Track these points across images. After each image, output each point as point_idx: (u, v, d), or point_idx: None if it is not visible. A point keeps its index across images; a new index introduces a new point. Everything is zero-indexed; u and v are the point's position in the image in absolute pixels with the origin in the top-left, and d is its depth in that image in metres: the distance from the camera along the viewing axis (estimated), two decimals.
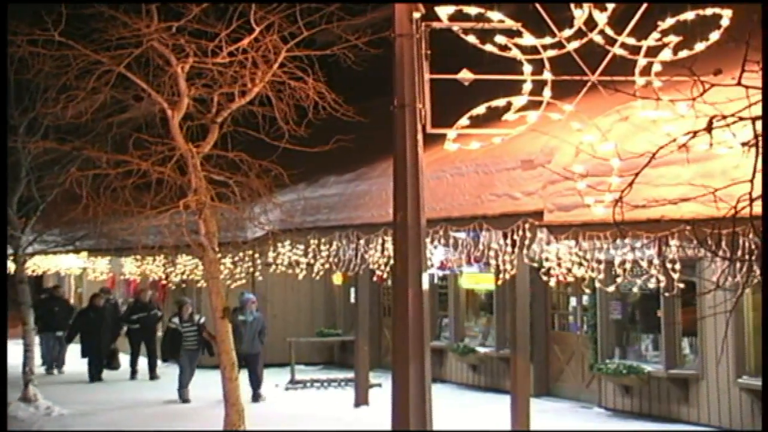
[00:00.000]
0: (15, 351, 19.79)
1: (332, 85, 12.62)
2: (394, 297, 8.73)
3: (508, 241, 12.44)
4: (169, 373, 19.74)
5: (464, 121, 8.76)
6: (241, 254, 17.84)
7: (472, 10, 8.63)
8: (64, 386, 20.51)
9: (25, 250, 18.87)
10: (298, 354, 20.45)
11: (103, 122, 15.44)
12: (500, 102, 8.77)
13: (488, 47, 8.73)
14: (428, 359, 8.52)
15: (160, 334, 21.32)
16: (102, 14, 12.29)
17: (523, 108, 8.78)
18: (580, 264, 12.30)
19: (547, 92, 8.73)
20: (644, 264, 11.22)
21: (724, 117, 5.57)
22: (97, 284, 26.07)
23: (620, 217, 6.00)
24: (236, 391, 12.47)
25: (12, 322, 20.53)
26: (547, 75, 8.76)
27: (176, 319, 18.23)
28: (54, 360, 23.14)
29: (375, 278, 16.80)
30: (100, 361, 21.59)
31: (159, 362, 21.45)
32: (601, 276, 12.16)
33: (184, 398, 17.95)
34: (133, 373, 21.68)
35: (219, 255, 13.02)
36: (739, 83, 5.48)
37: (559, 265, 12.76)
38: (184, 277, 20.59)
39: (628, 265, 11.49)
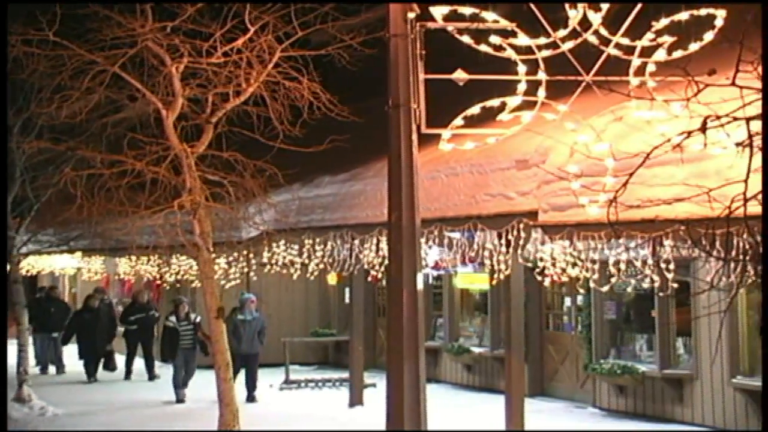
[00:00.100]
0: (9, 351, 19.74)
1: (327, 85, 12.61)
2: (389, 297, 8.73)
3: (503, 241, 12.43)
4: (167, 373, 19.71)
5: (459, 121, 8.77)
6: (235, 254, 17.80)
7: (467, 10, 8.64)
8: (58, 387, 20.48)
9: (20, 250, 18.85)
10: (293, 354, 20.45)
11: (98, 122, 15.45)
12: (495, 102, 8.79)
13: (483, 47, 8.74)
14: (423, 359, 8.53)
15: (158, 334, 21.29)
16: (96, 14, 12.28)
17: (518, 108, 8.79)
18: (575, 264, 12.31)
19: (541, 92, 8.75)
20: (638, 264, 11.23)
21: (719, 117, 5.57)
22: (92, 284, 26.00)
23: (614, 217, 6.01)
24: (231, 392, 12.47)
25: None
26: (542, 75, 8.77)
27: (173, 318, 18.21)
28: (52, 361, 23.07)
29: (370, 278, 16.78)
30: (97, 362, 21.57)
31: (156, 362, 21.41)
32: (596, 276, 12.15)
33: (179, 398, 17.93)
34: (128, 373, 21.65)
35: (213, 255, 13.03)
36: (733, 83, 5.49)
37: (553, 265, 12.77)
38: (179, 277, 20.56)
39: (622, 265, 11.49)
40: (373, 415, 13.47)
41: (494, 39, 8.73)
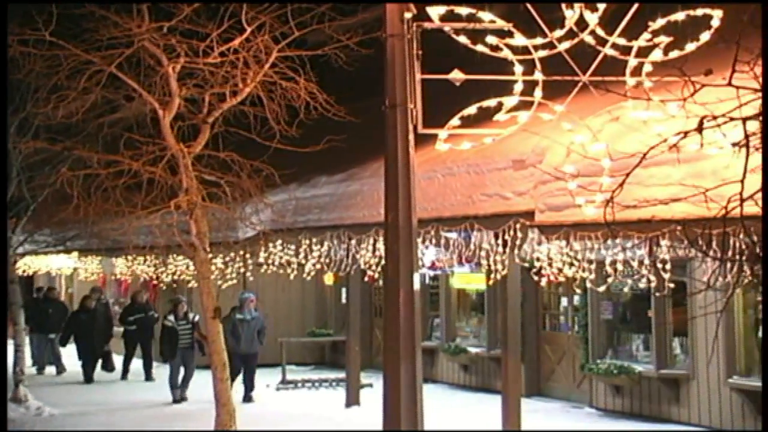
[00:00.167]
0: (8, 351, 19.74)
1: (323, 85, 12.61)
2: (386, 297, 8.73)
3: (499, 241, 12.45)
4: (164, 374, 19.68)
5: (455, 121, 8.77)
6: (232, 254, 17.80)
7: (464, 10, 8.65)
8: (55, 387, 20.46)
9: (16, 250, 18.82)
10: (290, 354, 20.43)
11: (94, 122, 15.41)
12: (491, 102, 8.79)
13: (479, 47, 8.75)
14: (419, 359, 8.53)
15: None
16: (93, 14, 12.26)
17: (515, 108, 8.80)
18: (571, 264, 12.30)
19: (538, 92, 8.75)
20: (635, 264, 11.23)
21: (715, 117, 5.58)
22: (88, 284, 25.96)
23: (611, 217, 6.01)
24: (227, 392, 12.47)
25: None
26: (538, 75, 8.78)
27: (172, 317, 18.19)
28: (49, 362, 23.04)
29: (366, 278, 16.79)
30: (94, 362, 21.54)
31: (154, 363, 21.38)
32: (592, 276, 12.17)
33: (175, 398, 17.91)
34: (125, 373, 21.63)
35: (210, 255, 13.01)
36: (729, 83, 5.49)
37: (550, 265, 12.76)
38: (176, 277, 20.55)
39: (619, 266, 11.51)
40: (370, 415, 13.46)
41: (491, 39, 8.74)
